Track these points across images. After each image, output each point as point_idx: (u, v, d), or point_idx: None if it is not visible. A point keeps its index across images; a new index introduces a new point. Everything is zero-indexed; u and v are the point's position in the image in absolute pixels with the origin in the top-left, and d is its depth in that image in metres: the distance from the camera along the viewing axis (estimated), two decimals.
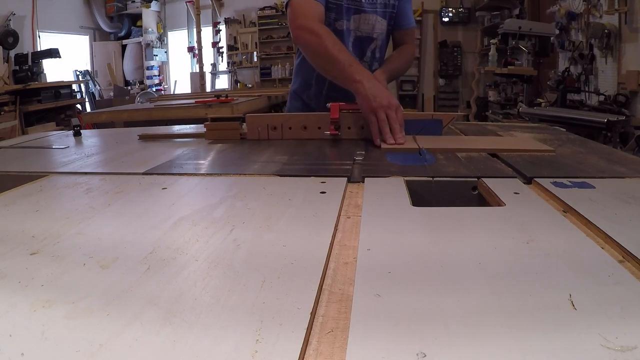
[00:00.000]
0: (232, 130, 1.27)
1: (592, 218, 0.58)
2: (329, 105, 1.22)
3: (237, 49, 8.58)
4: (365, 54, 1.55)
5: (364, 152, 1.04)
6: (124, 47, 9.24)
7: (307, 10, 1.31)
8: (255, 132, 1.26)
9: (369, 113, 1.14)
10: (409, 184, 0.78)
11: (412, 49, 1.64)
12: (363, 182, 0.80)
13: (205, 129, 1.28)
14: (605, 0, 3.73)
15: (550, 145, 1.10)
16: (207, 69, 8.26)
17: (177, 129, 1.63)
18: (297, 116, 1.27)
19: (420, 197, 0.79)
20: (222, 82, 8.84)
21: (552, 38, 4.52)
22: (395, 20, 1.59)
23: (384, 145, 1.07)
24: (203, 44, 6.63)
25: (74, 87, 6.91)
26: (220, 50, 8.77)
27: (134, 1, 9.02)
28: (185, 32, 9.17)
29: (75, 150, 1.21)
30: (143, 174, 0.90)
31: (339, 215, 0.64)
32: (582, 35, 4.14)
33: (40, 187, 0.83)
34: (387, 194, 0.72)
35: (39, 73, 6.94)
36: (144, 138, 1.34)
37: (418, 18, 7.42)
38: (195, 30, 6.97)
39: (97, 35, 9.08)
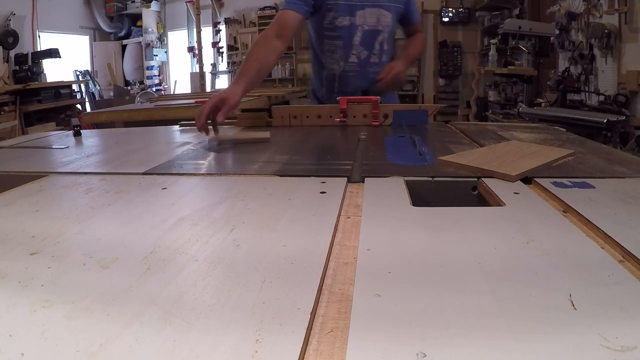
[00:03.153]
0: (259, 119, 1.55)
1: (592, 218, 0.58)
2: (338, 98, 1.49)
3: (237, 49, 8.57)
4: (374, 47, 1.67)
5: (366, 133, 1.32)
6: (124, 47, 9.23)
7: (274, 22, 1.50)
8: (279, 119, 1.54)
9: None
10: (409, 184, 0.78)
11: (422, 36, 1.88)
12: (363, 182, 0.80)
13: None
14: (605, 0, 3.73)
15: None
16: (207, 69, 8.25)
17: None
18: (313, 108, 1.59)
19: (420, 197, 0.79)
20: (222, 82, 8.83)
21: (552, 38, 4.52)
22: (404, 20, 1.77)
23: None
24: (203, 44, 6.62)
25: (74, 87, 6.91)
26: (220, 50, 8.76)
27: (134, 1, 9.01)
28: (185, 32, 9.15)
29: (75, 150, 1.21)
30: (143, 174, 0.90)
31: (339, 215, 0.64)
32: (582, 35, 4.14)
33: (40, 187, 0.83)
34: (387, 194, 0.72)
35: (39, 73, 6.94)
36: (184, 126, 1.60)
37: None
38: (195, 30, 6.96)
39: (97, 35, 9.07)
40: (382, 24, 1.64)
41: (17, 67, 6.68)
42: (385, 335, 0.35)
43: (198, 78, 6.66)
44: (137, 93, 7.83)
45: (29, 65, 6.77)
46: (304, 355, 0.33)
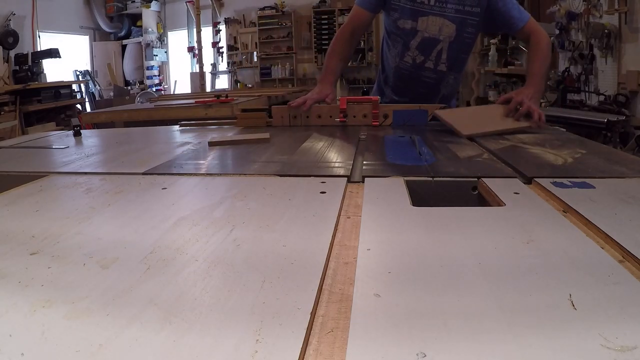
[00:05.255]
0: (259, 119, 1.57)
1: (592, 218, 0.58)
2: (338, 97, 1.53)
3: (237, 49, 8.57)
4: (430, 54, 1.68)
5: (366, 134, 1.34)
6: (124, 47, 9.23)
7: (349, 19, 1.71)
8: (279, 119, 1.55)
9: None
10: (409, 184, 0.78)
11: (540, 39, 1.60)
12: (363, 182, 0.80)
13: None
14: (605, 0, 3.73)
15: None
16: (207, 69, 8.25)
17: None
18: (314, 107, 1.55)
19: (420, 197, 0.79)
20: (222, 82, 8.83)
21: (552, 38, 4.52)
22: (503, 28, 1.70)
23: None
24: (203, 44, 6.62)
25: (74, 87, 6.91)
26: (220, 50, 8.76)
27: (134, 1, 9.01)
28: (185, 32, 9.15)
29: (75, 150, 1.21)
30: (143, 174, 0.90)
31: (339, 215, 0.64)
32: (582, 35, 4.14)
33: (40, 187, 0.83)
34: (387, 194, 0.72)
35: (39, 73, 6.94)
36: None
37: None
38: (195, 30, 6.96)
39: (97, 35, 9.07)
40: (443, 34, 1.62)
41: (17, 67, 6.68)
42: (385, 335, 0.35)
43: (198, 78, 6.65)
44: (137, 93, 7.83)
45: (29, 65, 6.77)
46: (304, 355, 0.33)
